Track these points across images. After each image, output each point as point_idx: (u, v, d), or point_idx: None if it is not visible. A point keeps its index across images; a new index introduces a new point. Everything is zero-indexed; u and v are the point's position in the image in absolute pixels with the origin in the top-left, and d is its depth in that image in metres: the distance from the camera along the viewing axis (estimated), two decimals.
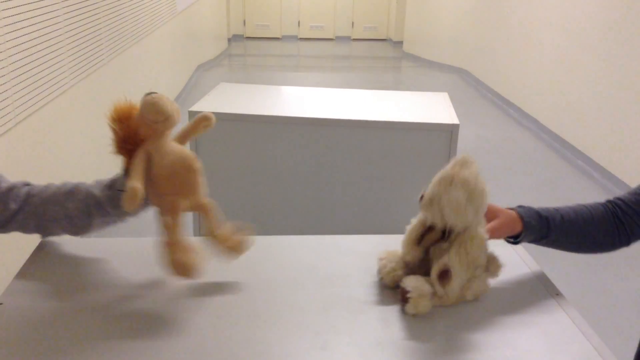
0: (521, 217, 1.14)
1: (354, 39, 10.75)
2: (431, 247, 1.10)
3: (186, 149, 1.08)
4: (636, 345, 1.25)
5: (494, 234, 1.11)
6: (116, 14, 3.75)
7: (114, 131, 1.06)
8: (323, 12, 10.60)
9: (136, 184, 0.98)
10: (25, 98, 2.44)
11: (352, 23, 10.69)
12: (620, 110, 4.17)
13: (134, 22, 4.21)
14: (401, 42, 9.64)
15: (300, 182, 2.53)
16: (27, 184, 1.16)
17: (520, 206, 1.18)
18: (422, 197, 1.08)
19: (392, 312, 1.06)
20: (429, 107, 2.65)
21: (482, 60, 7.14)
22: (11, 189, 1.13)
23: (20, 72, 2.40)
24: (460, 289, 1.07)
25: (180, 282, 1.13)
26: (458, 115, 2.47)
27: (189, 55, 6.81)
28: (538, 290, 1.17)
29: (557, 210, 1.17)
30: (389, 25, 10.55)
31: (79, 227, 1.15)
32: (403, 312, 1.05)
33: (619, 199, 1.19)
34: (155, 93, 1.03)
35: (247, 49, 9.85)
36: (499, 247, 1.15)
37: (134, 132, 1.05)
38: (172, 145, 1.06)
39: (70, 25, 2.93)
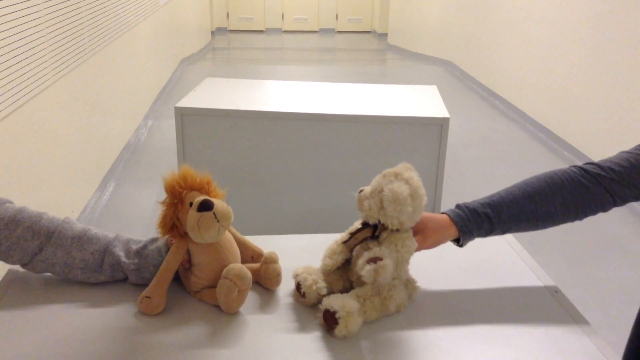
0: (455, 223, 1.09)
1: (338, 31, 10.72)
2: (354, 251, 1.05)
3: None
4: (628, 337, 1.25)
5: (422, 245, 1.08)
6: (98, 8, 3.69)
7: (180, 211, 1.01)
8: (307, 4, 10.55)
9: (160, 297, 1.01)
10: (6, 95, 2.39)
11: (337, 15, 10.65)
12: (606, 101, 4.20)
13: (117, 16, 4.14)
14: (386, 34, 9.63)
15: (288, 178, 2.51)
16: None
17: (457, 206, 1.13)
18: (361, 191, 1.06)
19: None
20: (418, 100, 2.64)
21: (467, 52, 7.15)
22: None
23: (1, 69, 2.35)
24: (383, 297, 1.01)
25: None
26: None
27: (173, 48, 6.74)
28: (536, 288, 1.16)
29: (502, 197, 1.11)
30: (374, 17, 10.53)
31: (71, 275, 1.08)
32: (331, 335, 0.97)
33: (590, 164, 1.13)
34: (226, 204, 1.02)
35: (230, 42, 9.78)
36: (494, 246, 1.14)
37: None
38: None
39: (51, 20, 2.87)
